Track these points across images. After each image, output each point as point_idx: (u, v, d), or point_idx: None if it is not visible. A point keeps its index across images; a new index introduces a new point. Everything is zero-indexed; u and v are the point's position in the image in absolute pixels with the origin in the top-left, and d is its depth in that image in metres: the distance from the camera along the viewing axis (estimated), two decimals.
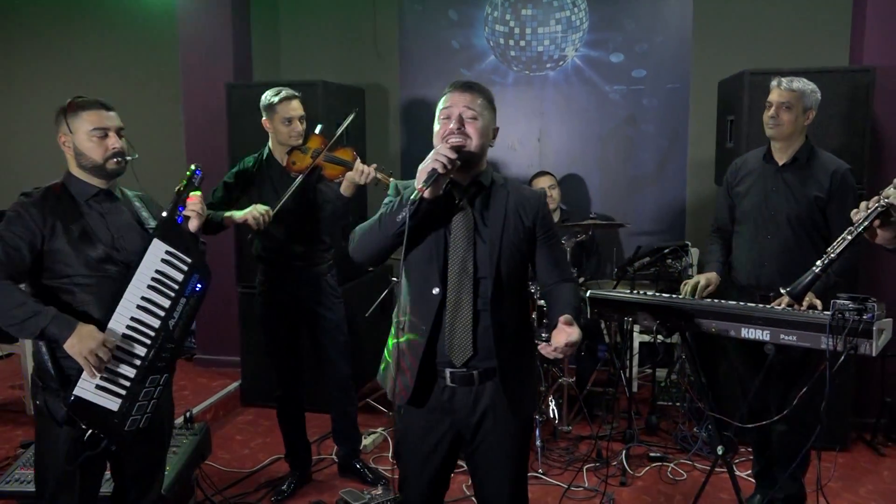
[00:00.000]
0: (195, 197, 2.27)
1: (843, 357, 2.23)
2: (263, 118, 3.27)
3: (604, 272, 4.63)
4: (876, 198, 1.90)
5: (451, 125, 2.01)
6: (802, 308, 2.62)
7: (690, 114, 4.88)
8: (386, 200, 2.08)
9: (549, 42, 5.00)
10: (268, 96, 3.24)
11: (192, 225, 2.27)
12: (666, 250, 3.84)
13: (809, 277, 2.08)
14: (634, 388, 4.40)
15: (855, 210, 1.93)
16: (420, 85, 5.18)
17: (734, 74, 3.94)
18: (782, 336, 2.46)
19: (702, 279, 3.01)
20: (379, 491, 3.33)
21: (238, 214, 3.11)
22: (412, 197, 1.93)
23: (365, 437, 3.82)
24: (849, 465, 3.65)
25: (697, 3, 4.79)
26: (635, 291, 3.28)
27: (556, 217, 4.52)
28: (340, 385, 3.44)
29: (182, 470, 2.84)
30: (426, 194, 1.93)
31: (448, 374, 2.05)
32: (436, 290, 2.01)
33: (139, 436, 2.21)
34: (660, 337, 3.86)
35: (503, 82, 5.06)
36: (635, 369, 4.45)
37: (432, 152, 1.94)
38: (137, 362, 2.17)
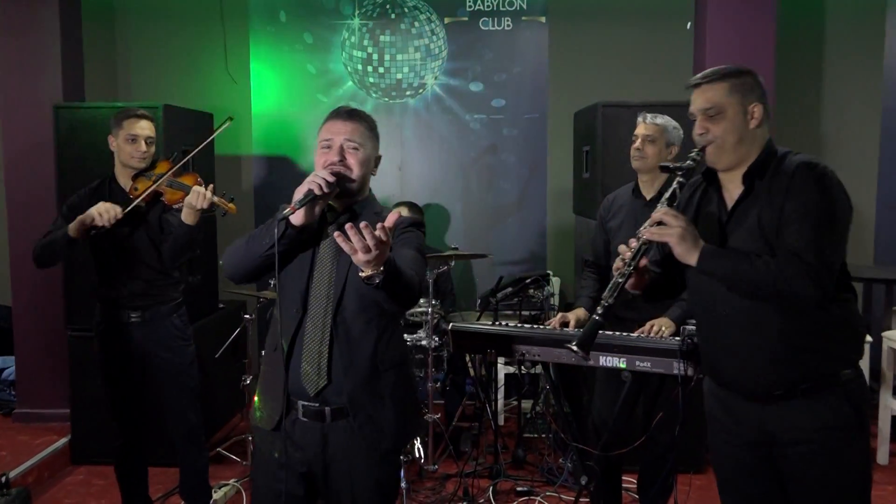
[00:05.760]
0: None
1: (693, 381, 2.40)
2: (110, 135, 3.18)
3: (460, 306, 4.71)
4: (634, 238, 2.04)
5: (332, 157, 2.03)
6: (648, 333, 2.80)
7: (549, 144, 5.12)
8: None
9: (408, 69, 5.10)
10: (118, 111, 3.18)
11: None
12: (528, 280, 3.97)
13: (592, 326, 2.10)
14: (501, 421, 4.49)
15: (619, 255, 2.06)
16: (274, 110, 5.11)
17: (589, 106, 4.17)
18: (638, 363, 2.61)
19: (570, 317, 3.10)
20: None
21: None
22: (283, 214, 1.94)
23: (215, 492, 3.65)
24: (705, 487, 3.90)
25: (552, 34, 5.06)
26: (498, 322, 3.36)
27: None
28: (188, 436, 3.29)
29: None
30: (298, 217, 1.94)
31: (300, 408, 2.05)
32: (296, 312, 2.04)
33: None
34: (523, 368, 3.98)
35: (362, 108, 5.07)
36: (501, 402, 4.55)
37: (311, 174, 1.96)
38: None
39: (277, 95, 5.14)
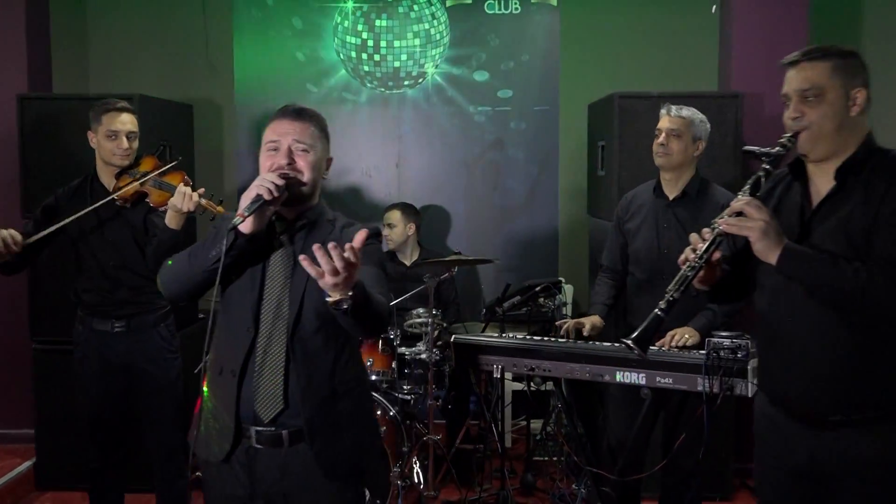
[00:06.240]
0: None
1: (719, 399, 2.37)
2: (89, 130, 3.19)
3: (464, 316, 4.68)
4: (708, 229, 2.00)
5: (280, 160, 2.02)
6: (668, 348, 2.76)
7: (560, 138, 5.09)
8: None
9: (406, 57, 5.08)
10: (96, 104, 3.19)
11: None
12: (538, 288, 3.94)
13: (652, 321, 2.07)
14: (508, 443, 4.46)
15: (690, 246, 2.03)
16: (259, 101, 5.09)
17: (604, 97, 4.16)
18: (658, 379, 2.59)
19: (585, 322, 3.08)
20: None
21: None
22: (233, 222, 1.93)
23: None
24: None
25: (565, 19, 5.04)
26: (506, 334, 3.34)
27: (414, 255, 4.56)
28: (168, 456, 3.30)
29: None
30: (247, 226, 1.94)
31: (254, 434, 2.03)
32: (248, 331, 2.02)
33: None
34: (533, 385, 3.95)
35: (356, 100, 5.07)
36: (508, 422, 4.52)
37: (257, 179, 1.95)
38: None
39: (263, 85, 5.12)
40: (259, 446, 2.03)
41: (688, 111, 3.12)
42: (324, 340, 2.04)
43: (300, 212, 2.10)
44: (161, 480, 3.33)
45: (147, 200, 3.09)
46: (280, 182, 1.95)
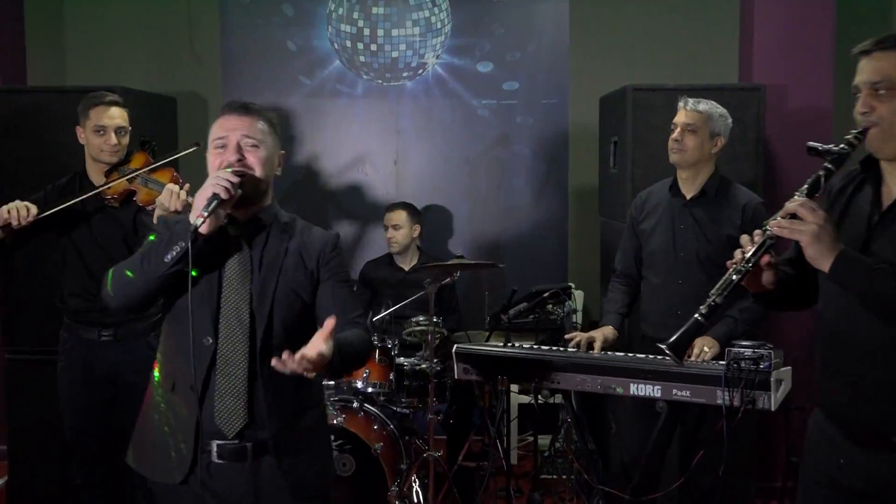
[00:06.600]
0: None
1: (739, 413, 2.40)
2: (77, 125, 3.24)
3: (466, 325, 4.70)
4: (759, 230, 2.00)
5: (230, 156, 2.06)
6: (691, 359, 2.78)
7: (570, 134, 5.12)
8: (152, 238, 2.11)
9: (405, 47, 5.11)
10: (85, 97, 3.23)
11: None
12: (546, 294, 3.96)
13: (691, 326, 2.10)
14: (514, 460, 4.47)
15: (739, 249, 2.03)
16: (248, 94, 5.12)
17: (617, 90, 4.18)
18: (675, 391, 2.61)
19: (597, 336, 3.10)
20: None
21: None
22: (193, 223, 1.95)
23: None
24: None
25: (575, 6, 5.06)
26: (511, 344, 3.37)
27: (413, 259, 4.59)
28: None
29: None
30: (205, 227, 1.97)
31: (214, 448, 2.05)
32: (207, 341, 2.05)
33: None
34: (541, 398, 3.97)
35: (351, 92, 5.10)
36: (514, 437, 4.53)
37: (210, 178, 1.99)
38: None
39: (251, 77, 5.14)
40: (221, 461, 2.06)
41: (706, 105, 3.15)
42: (288, 348, 2.09)
43: (254, 213, 2.14)
44: (146, 500, 3.34)
45: (135, 199, 3.13)
46: (235, 179, 1.99)
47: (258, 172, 2.08)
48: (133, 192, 3.13)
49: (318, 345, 1.84)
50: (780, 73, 4.28)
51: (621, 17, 5.06)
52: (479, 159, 5.17)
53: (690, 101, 3.16)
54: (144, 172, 3.13)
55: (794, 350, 3.78)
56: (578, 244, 5.16)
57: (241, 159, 2.06)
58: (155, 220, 3.03)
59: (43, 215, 3.03)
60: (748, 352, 2.44)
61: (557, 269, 5.16)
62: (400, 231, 4.51)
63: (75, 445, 3.27)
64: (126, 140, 3.23)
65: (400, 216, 4.52)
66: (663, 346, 2.10)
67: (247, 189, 2.04)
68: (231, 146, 2.06)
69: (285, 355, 1.82)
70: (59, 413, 3.37)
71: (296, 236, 2.17)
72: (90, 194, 3.09)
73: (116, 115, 3.19)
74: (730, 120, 3.20)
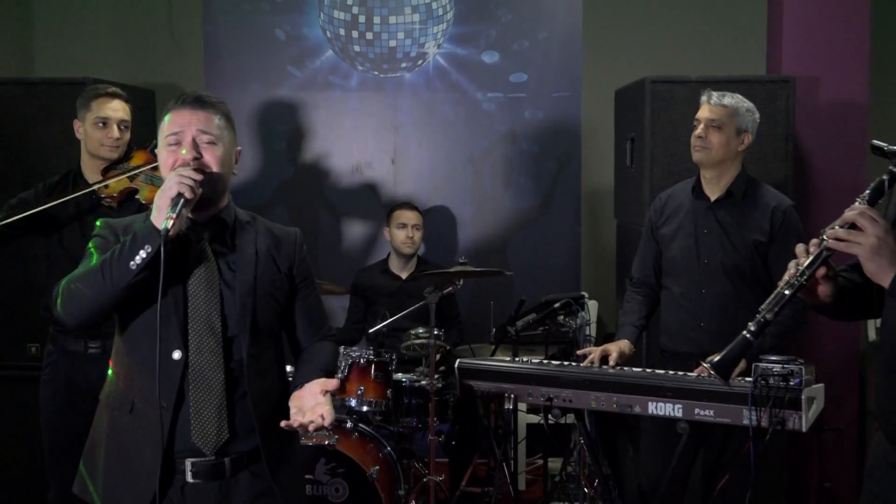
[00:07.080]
0: None
1: (768, 435, 2.39)
2: (76, 119, 3.27)
3: (470, 338, 4.69)
4: (816, 240, 1.97)
5: (185, 154, 2.05)
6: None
7: (583, 130, 5.11)
8: (94, 244, 2.10)
9: (403, 35, 5.11)
10: (85, 89, 3.29)
11: None
12: (556, 304, 3.96)
13: (739, 345, 2.08)
14: (522, 485, 4.46)
15: (794, 260, 2.00)
16: (232, 86, 5.13)
17: (634, 82, 4.18)
18: (697, 411, 2.60)
19: (612, 349, 3.09)
20: None
21: None
22: (163, 225, 1.93)
23: None
24: None
25: None
26: (518, 358, 3.36)
27: (410, 266, 4.59)
28: None
29: None
30: (173, 229, 1.96)
31: (189, 467, 2.05)
32: (177, 355, 2.04)
33: None
34: (551, 417, 3.96)
35: (345, 85, 5.10)
36: (522, 460, 4.52)
37: (170, 177, 1.98)
38: None
39: (236, 68, 5.14)
40: (196, 481, 2.06)
41: (731, 99, 3.15)
42: (267, 361, 2.14)
43: (213, 214, 2.14)
44: None
45: (137, 197, 3.16)
46: (199, 177, 1.99)
47: (216, 171, 2.09)
48: (134, 192, 3.16)
49: (327, 416, 2.03)
50: (812, 63, 4.27)
51: (639, 2, 5.06)
52: (484, 157, 5.17)
53: (714, 94, 3.16)
54: (148, 170, 3.16)
55: (827, 365, 3.78)
56: (592, 250, 5.16)
57: (198, 157, 2.06)
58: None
59: (29, 213, 3.04)
60: (777, 367, 2.43)
61: (569, 277, 5.15)
62: (419, 232, 4.51)
63: (52, 464, 3.28)
64: (127, 136, 3.27)
65: (415, 216, 4.52)
66: (707, 366, 2.11)
67: (206, 189, 2.03)
68: (186, 143, 2.06)
69: (295, 424, 2.00)
70: (37, 430, 3.39)
71: (262, 236, 2.20)
72: (86, 191, 3.11)
73: (119, 108, 3.25)
74: (757, 115, 3.20)
